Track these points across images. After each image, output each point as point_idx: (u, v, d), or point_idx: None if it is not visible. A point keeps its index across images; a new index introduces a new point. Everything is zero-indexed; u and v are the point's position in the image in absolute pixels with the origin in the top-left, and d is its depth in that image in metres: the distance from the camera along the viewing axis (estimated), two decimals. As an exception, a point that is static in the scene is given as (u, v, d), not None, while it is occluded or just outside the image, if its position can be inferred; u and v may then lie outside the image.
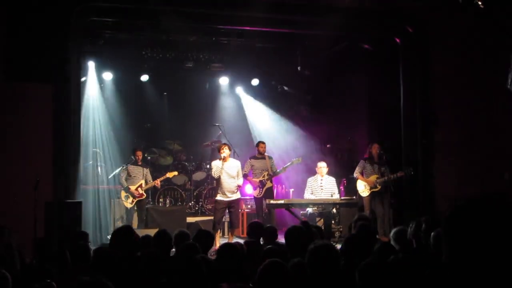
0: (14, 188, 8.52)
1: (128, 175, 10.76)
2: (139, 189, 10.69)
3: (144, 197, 10.81)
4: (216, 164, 9.96)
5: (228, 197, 9.90)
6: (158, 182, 11.11)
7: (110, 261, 4.35)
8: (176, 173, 11.72)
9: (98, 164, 11.86)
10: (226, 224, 11.39)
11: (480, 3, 7.36)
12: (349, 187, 11.64)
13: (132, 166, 10.82)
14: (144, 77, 13.58)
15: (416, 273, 3.83)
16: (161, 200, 12.32)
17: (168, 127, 14.28)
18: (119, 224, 10.86)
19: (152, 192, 12.31)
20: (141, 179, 10.78)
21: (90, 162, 12.03)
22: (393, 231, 5.60)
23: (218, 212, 9.94)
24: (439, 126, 10.21)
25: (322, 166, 10.58)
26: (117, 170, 11.38)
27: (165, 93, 14.40)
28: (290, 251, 5.20)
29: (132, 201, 10.67)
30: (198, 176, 12.98)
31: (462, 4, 7.46)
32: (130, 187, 10.66)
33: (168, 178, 12.08)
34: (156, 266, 4.23)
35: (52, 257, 5.02)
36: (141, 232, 8.01)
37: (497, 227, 1.41)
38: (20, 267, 4.89)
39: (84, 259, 5.26)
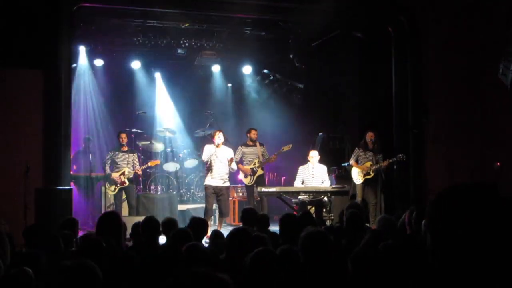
0: (4, 175, 8.48)
1: (114, 162, 10.60)
2: (121, 176, 10.51)
3: (126, 184, 10.51)
4: (208, 148, 9.93)
5: (217, 183, 9.87)
6: (139, 171, 10.85)
7: (96, 248, 4.32)
8: (158, 161, 11.60)
9: (89, 150, 11.79)
10: (217, 211, 11.39)
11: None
12: (340, 175, 11.66)
13: (118, 153, 10.61)
14: (136, 64, 13.51)
15: (406, 260, 3.86)
16: (152, 187, 12.29)
17: (159, 114, 14.23)
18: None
19: (143, 179, 12.28)
20: (125, 167, 10.61)
21: (81, 149, 12.00)
22: (377, 219, 5.63)
23: (210, 198, 9.92)
24: (430, 116, 10.24)
25: (314, 156, 10.59)
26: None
27: (156, 73, 14.24)
28: (283, 238, 5.24)
29: (115, 189, 10.52)
30: (190, 163, 12.95)
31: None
32: (113, 174, 10.54)
33: (159, 165, 12.04)
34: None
35: (43, 244, 5.00)
36: (132, 220, 8.00)
37: (481, 214, 1.40)
38: (11, 254, 4.87)
39: (71, 246, 5.26)
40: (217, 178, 9.87)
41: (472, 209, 1.41)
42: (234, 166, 10.06)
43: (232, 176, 11.77)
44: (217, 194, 9.89)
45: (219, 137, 9.87)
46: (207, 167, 10.08)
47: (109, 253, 4.20)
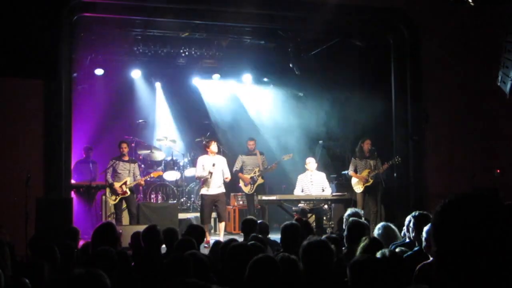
0: (5, 184, 8.48)
1: (115, 172, 10.58)
2: (123, 186, 10.45)
3: (127, 194, 10.48)
4: (200, 163, 10.13)
5: (214, 191, 10.01)
6: (142, 181, 10.90)
7: (96, 257, 4.33)
8: (160, 173, 11.66)
9: (90, 160, 11.80)
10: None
11: (470, 1, 7.39)
12: (340, 183, 11.66)
13: (119, 162, 10.57)
14: (136, 73, 13.53)
15: (406, 268, 3.86)
16: (153, 196, 12.29)
17: (160, 123, 14.24)
18: (110, 220, 10.81)
19: (144, 188, 12.27)
20: (127, 176, 10.57)
21: (82, 158, 12.00)
22: (376, 227, 5.62)
23: (206, 208, 10.01)
24: (430, 123, 10.24)
25: (310, 162, 10.60)
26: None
27: (156, 82, 14.27)
28: (284, 247, 5.25)
29: (116, 198, 10.51)
30: (190, 172, 12.95)
31: (453, 2, 7.49)
32: (115, 183, 10.52)
33: (159, 175, 12.05)
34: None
35: (42, 254, 5.00)
36: (132, 229, 8.00)
37: (487, 222, 1.40)
38: (11, 263, 4.86)
39: (71, 256, 5.27)
40: (214, 187, 10.00)
41: (477, 217, 1.41)
42: (228, 175, 10.29)
43: (233, 184, 11.81)
44: (215, 201, 9.97)
45: (214, 146, 10.13)
46: (203, 179, 10.13)
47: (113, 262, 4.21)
